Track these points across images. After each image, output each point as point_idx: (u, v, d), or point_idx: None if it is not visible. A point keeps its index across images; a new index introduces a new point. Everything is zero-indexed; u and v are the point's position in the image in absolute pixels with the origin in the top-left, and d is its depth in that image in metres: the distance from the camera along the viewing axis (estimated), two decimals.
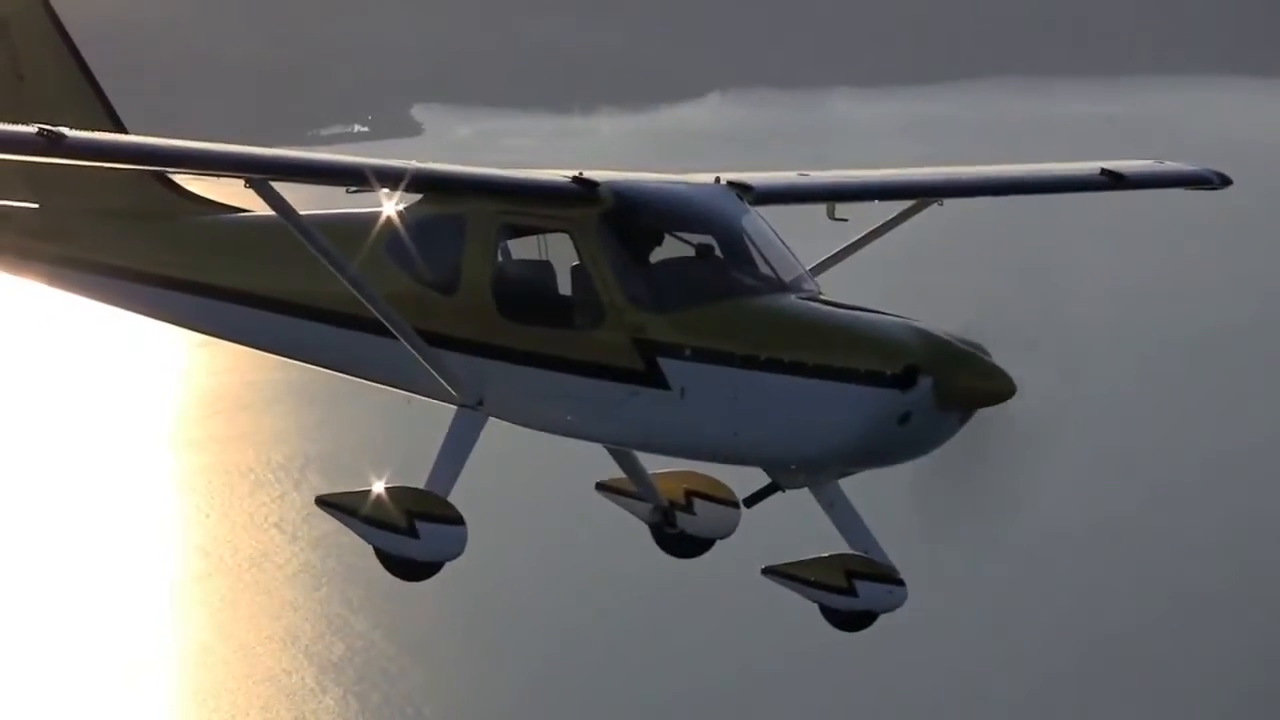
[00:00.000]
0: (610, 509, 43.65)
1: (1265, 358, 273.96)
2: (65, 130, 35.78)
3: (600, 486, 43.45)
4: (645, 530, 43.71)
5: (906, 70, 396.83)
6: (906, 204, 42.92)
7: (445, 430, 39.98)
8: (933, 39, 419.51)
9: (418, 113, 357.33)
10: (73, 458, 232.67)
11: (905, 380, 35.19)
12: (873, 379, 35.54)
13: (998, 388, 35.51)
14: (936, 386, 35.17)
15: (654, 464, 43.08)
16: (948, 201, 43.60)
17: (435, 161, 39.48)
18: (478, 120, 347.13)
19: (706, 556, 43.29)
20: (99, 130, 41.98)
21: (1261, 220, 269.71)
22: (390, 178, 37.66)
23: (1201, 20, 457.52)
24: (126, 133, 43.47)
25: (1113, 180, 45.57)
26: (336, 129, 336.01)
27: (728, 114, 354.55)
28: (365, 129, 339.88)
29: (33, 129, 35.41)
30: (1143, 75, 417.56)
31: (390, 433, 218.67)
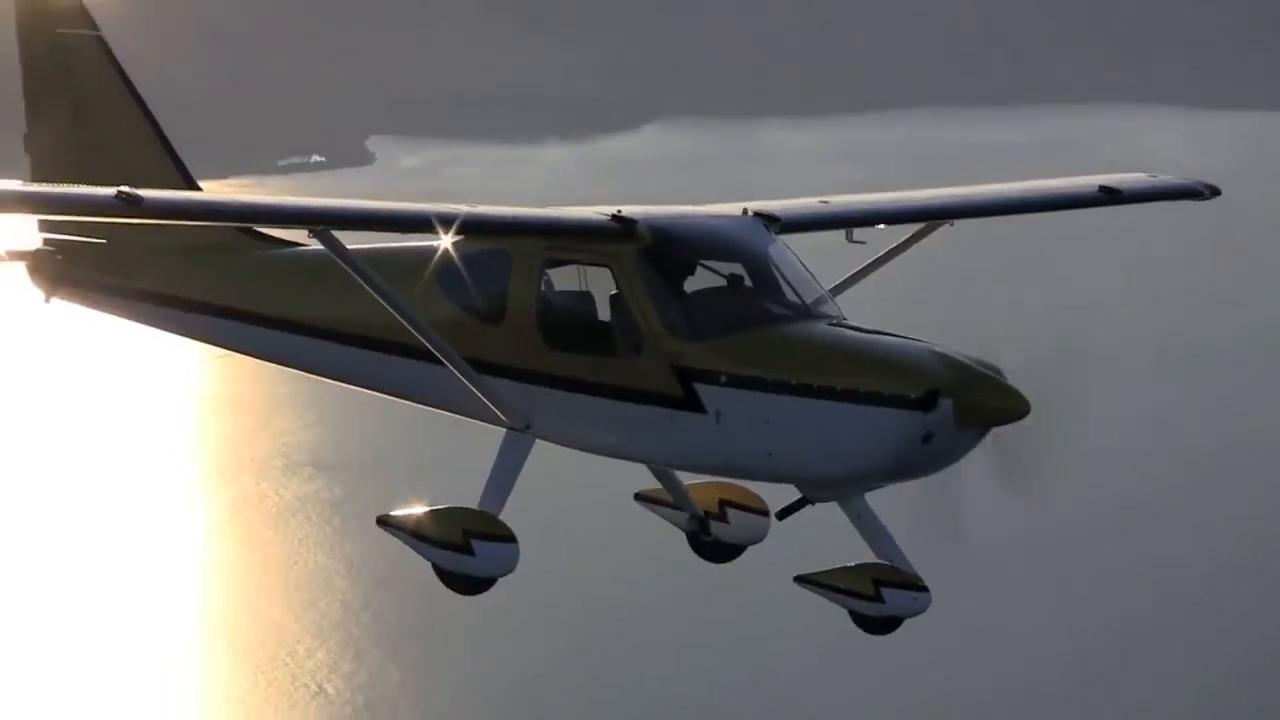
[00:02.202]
0: (647, 517, 44.18)
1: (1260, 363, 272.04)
2: (143, 193, 36.37)
3: (638, 497, 43.95)
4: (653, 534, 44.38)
5: (833, 101, 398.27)
6: (918, 226, 43.58)
7: (492, 449, 40.19)
8: (858, 72, 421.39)
9: (372, 144, 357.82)
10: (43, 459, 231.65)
11: (927, 403, 36.13)
12: (897, 402, 36.37)
13: (1014, 406, 36.35)
14: (956, 407, 36.09)
15: (688, 475, 43.46)
16: (958, 222, 44.24)
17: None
18: (426, 151, 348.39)
19: (739, 565, 43.45)
20: (161, 172, 44.03)
21: (1185, 234, 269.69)
22: (446, 223, 38.02)
23: (1103, 55, 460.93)
24: (184, 167, 44.98)
25: (1110, 196, 46.23)
26: (295, 159, 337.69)
27: (665, 143, 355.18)
28: (322, 159, 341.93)
29: (112, 192, 35.90)
30: (1054, 104, 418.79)
31: (321, 437, 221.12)
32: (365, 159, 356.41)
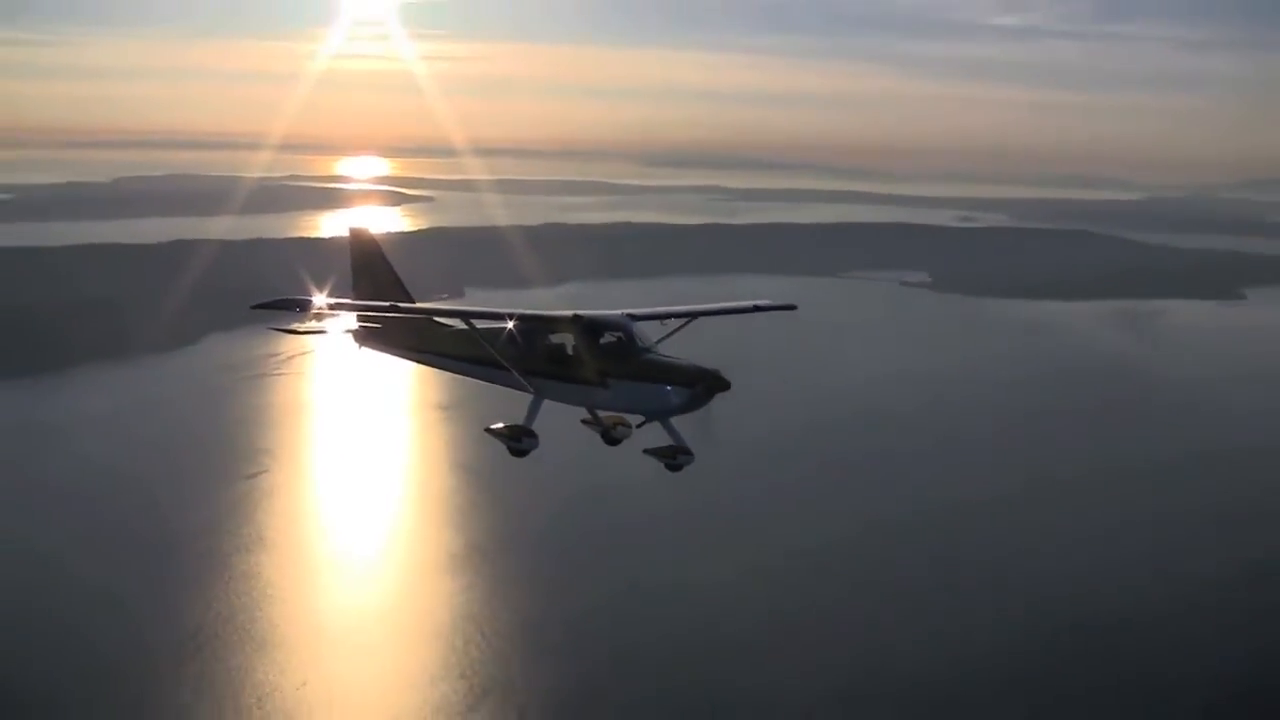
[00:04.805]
0: (585, 430, 42.92)
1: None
2: (399, 303, 39.32)
3: (583, 420, 42.60)
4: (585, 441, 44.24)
5: (638, 270, 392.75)
6: (687, 319, 42.29)
7: (526, 403, 40.36)
8: (644, 258, 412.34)
9: (467, 290, 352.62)
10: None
11: (694, 385, 37.01)
12: (682, 385, 37.24)
13: (725, 387, 37.04)
14: (703, 387, 37.02)
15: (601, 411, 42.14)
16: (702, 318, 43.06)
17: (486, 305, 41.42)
18: (493, 290, 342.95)
19: (622, 451, 42.73)
20: (404, 298, 43.61)
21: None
22: (511, 317, 38.62)
23: (752, 251, 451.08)
24: (410, 295, 44.32)
25: (758, 308, 45.76)
26: (438, 296, 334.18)
27: (580, 290, 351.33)
28: (446, 295, 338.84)
29: (387, 304, 39.43)
30: (734, 273, 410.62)
31: (443, 397, 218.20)
32: (463, 295, 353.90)
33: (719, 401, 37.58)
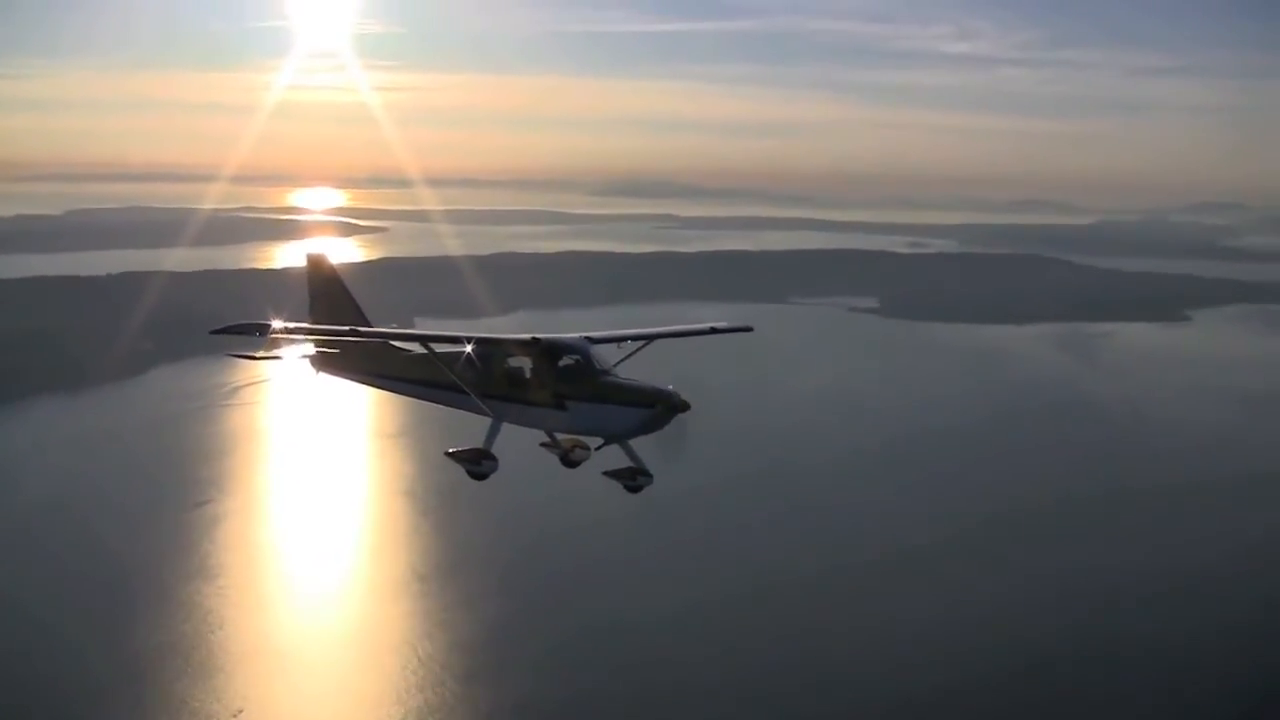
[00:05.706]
0: (544, 453, 42.98)
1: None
2: (359, 327, 39.26)
3: (541, 444, 42.54)
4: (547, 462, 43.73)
5: (590, 299, 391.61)
6: (644, 341, 42.18)
7: (486, 425, 40.22)
8: (606, 286, 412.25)
9: (417, 319, 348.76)
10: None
11: (652, 406, 37.02)
12: (640, 406, 37.26)
13: (684, 407, 37.19)
14: (663, 408, 37.10)
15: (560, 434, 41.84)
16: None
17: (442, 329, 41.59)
18: (442, 321, 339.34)
19: (580, 474, 42.69)
20: (359, 321, 43.33)
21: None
22: (469, 341, 39.13)
23: (691, 279, 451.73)
24: (368, 320, 43.92)
25: (713, 330, 45.75)
26: (386, 325, 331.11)
27: (529, 317, 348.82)
28: (396, 324, 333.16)
29: (346, 328, 39.39)
30: (681, 301, 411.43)
31: (397, 422, 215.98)
32: (412, 324, 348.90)
33: (676, 425, 37.47)
